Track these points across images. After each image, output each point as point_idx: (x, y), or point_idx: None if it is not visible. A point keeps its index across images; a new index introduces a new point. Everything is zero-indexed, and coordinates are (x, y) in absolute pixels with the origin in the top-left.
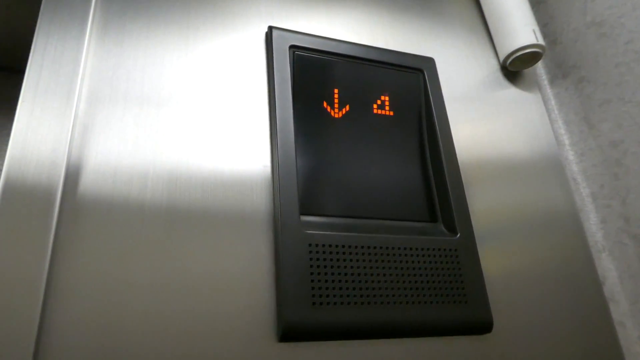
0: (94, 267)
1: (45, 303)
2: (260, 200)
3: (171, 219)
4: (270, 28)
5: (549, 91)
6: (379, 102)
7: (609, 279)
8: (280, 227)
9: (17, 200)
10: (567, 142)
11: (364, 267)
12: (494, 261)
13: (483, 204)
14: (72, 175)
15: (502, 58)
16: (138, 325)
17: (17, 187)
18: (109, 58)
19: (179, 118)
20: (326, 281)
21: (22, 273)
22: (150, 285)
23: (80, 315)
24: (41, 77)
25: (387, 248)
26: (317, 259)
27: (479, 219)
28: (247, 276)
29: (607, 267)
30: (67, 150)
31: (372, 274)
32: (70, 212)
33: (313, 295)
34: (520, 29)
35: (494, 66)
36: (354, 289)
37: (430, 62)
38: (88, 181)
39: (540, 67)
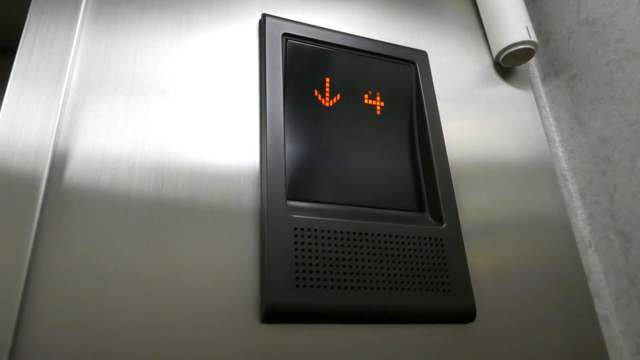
0: (77, 256)
1: (25, 291)
2: (249, 188)
3: (158, 205)
4: (264, 15)
5: (541, 88)
6: (370, 92)
7: (594, 274)
8: (266, 211)
9: (2, 183)
10: (557, 138)
11: (349, 253)
12: (481, 254)
13: (472, 198)
14: (60, 155)
15: (495, 54)
16: (120, 312)
17: (4, 166)
18: (101, 40)
19: (169, 102)
20: (310, 264)
21: (2, 259)
22: (134, 272)
23: (62, 304)
24: (32, 55)
25: (372, 235)
26: (302, 243)
27: (467, 213)
28: (232, 259)
29: (593, 263)
30: (55, 129)
31: (356, 260)
32: (55, 196)
33: (297, 278)
34: (513, 26)
35: (487, 62)
36: (338, 273)
37: (422, 55)
38: (75, 164)
39: (533, 64)
